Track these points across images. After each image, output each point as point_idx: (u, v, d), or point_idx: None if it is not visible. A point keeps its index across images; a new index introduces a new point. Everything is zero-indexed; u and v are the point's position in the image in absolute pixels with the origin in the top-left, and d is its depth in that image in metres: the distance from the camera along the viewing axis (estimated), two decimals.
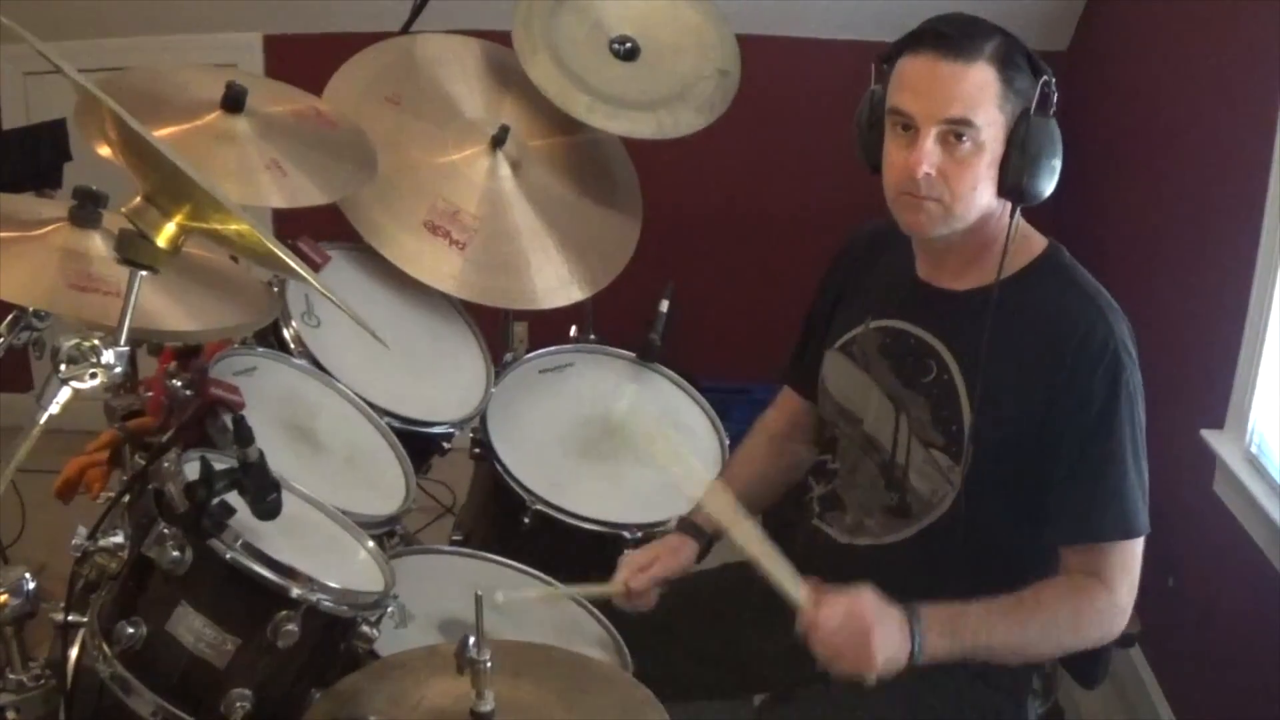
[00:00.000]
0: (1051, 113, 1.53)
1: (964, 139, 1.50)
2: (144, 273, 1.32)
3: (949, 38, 1.50)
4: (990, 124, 1.50)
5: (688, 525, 1.83)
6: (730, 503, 1.66)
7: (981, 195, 1.54)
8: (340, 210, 2.10)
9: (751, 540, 1.61)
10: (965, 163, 1.51)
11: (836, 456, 1.76)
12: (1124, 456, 1.54)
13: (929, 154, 1.51)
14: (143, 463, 1.68)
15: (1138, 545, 1.56)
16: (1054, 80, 1.53)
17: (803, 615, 1.53)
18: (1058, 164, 1.53)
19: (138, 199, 1.30)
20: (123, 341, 1.30)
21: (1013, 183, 1.52)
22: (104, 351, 1.27)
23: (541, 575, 1.85)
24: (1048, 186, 1.54)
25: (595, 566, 1.87)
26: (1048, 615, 1.54)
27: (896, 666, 1.50)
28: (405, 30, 2.44)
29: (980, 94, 1.49)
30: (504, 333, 2.63)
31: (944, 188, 1.52)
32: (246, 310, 1.76)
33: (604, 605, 1.80)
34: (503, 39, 2.37)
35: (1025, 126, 1.51)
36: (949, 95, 1.49)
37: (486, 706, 1.24)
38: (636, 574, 1.75)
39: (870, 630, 1.49)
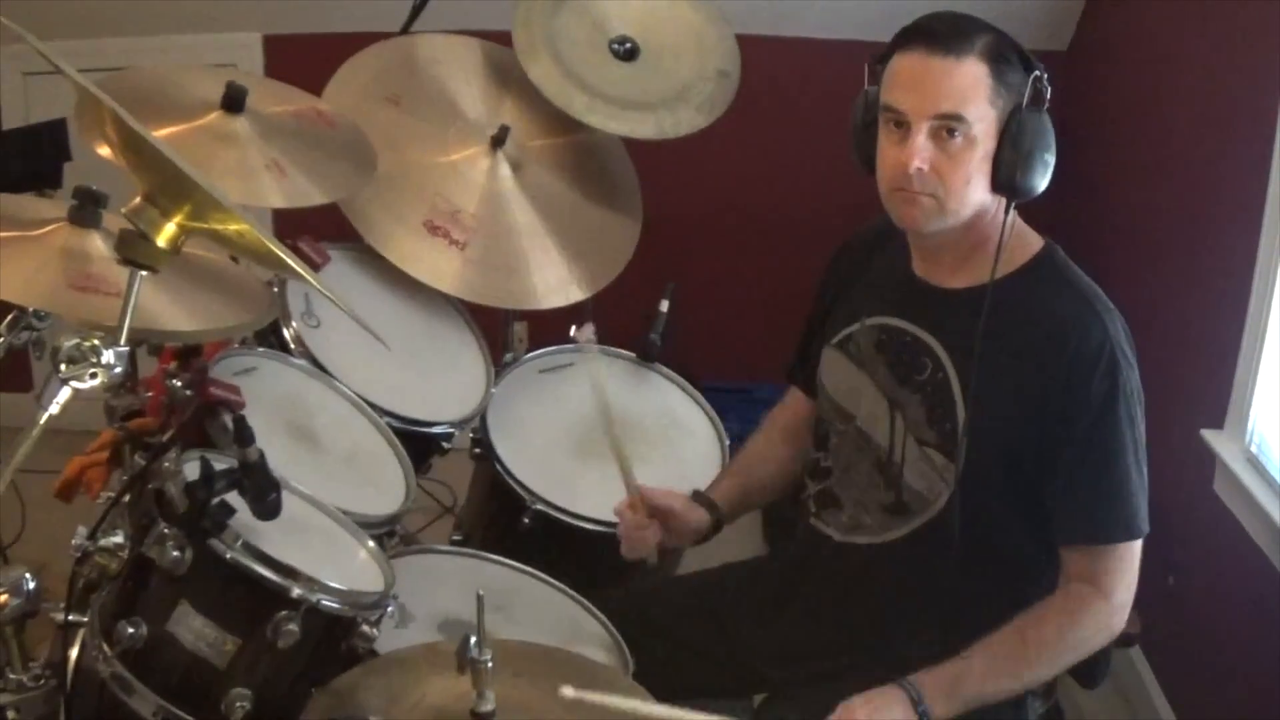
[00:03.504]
0: (1045, 108, 1.53)
1: (955, 134, 1.51)
2: (144, 273, 1.33)
3: (939, 34, 1.50)
4: (981, 119, 1.50)
5: (702, 498, 1.84)
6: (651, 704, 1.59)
7: (975, 190, 1.54)
8: (340, 210, 2.10)
9: None
10: (957, 157, 1.51)
11: (829, 454, 1.76)
12: (1124, 458, 1.54)
13: (921, 149, 1.51)
14: (143, 463, 1.68)
15: (1137, 545, 1.56)
16: (1046, 76, 1.53)
17: None
18: (1051, 159, 1.54)
19: (138, 199, 1.30)
20: (123, 341, 1.30)
21: (1005, 177, 1.53)
22: (104, 351, 1.27)
23: (541, 575, 1.85)
24: (1041, 181, 1.54)
25: (595, 567, 1.88)
26: (1049, 648, 1.54)
27: None
28: (405, 30, 2.44)
29: (971, 89, 1.50)
30: (504, 333, 2.63)
31: (937, 183, 1.53)
32: (246, 310, 1.76)
33: (604, 605, 1.80)
34: (503, 39, 2.37)
35: (1017, 121, 1.51)
36: (940, 90, 1.50)
37: (487, 706, 1.24)
38: (652, 491, 1.77)
39: None
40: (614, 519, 1.83)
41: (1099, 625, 1.55)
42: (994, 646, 1.54)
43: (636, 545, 1.80)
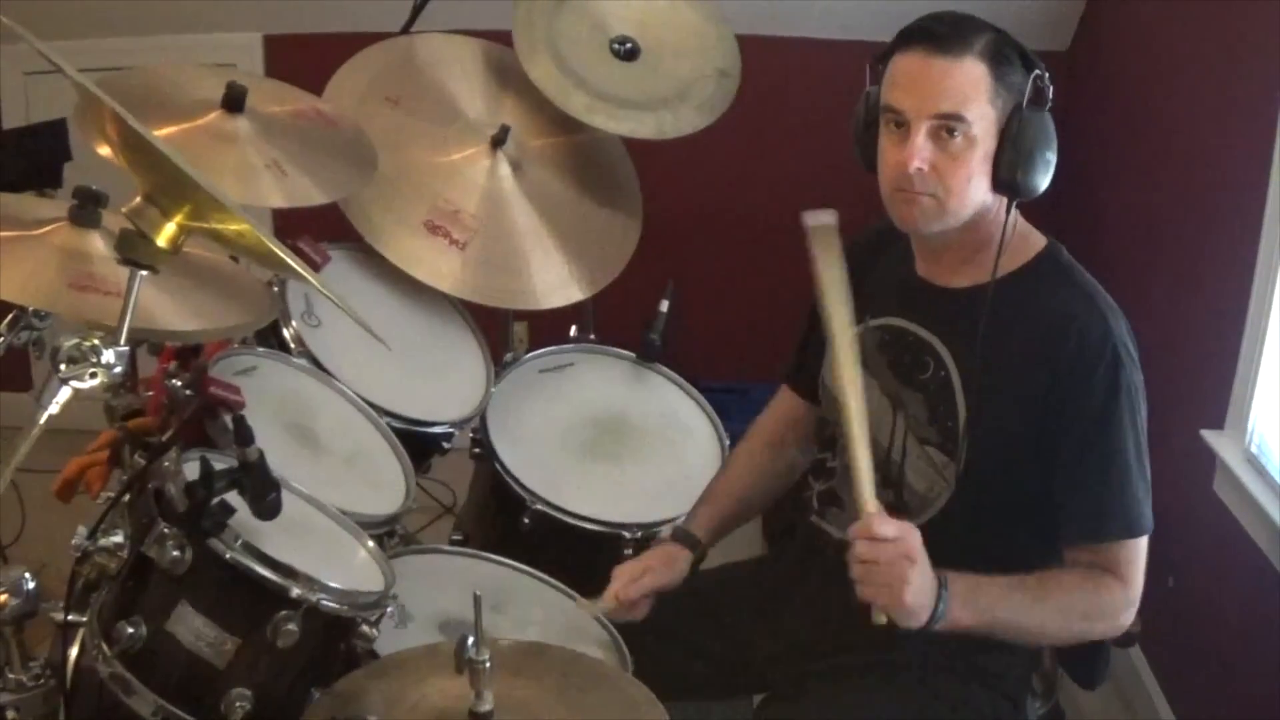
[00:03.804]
0: (1047, 108, 1.53)
1: (955, 134, 1.51)
2: (144, 273, 1.32)
3: (939, 34, 1.51)
4: (982, 118, 1.50)
5: (682, 534, 1.83)
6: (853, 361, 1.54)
7: (975, 190, 1.54)
8: (340, 210, 2.10)
9: (858, 422, 1.52)
10: (958, 158, 1.51)
11: (835, 454, 1.76)
12: (1126, 456, 1.54)
13: (921, 149, 1.51)
14: (143, 463, 1.68)
15: (1143, 543, 1.56)
16: (1048, 75, 1.53)
17: (862, 520, 1.47)
18: (1052, 158, 1.53)
19: (138, 199, 1.30)
20: (123, 341, 1.30)
21: (1006, 177, 1.53)
22: (104, 351, 1.27)
23: (541, 574, 1.85)
24: (1042, 181, 1.54)
25: (595, 567, 1.87)
26: (1065, 598, 1.54)
27: (915, 621, 1.46)
28: (405, 30, 2.44)
29: (971, 89, 1.50)
30: (504, 333, 2.63)
31: (937, 183, 1.53)
32: (246, 310, 1.76)
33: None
34: (503, 39, 2.37)
35: (1018, 121, 1.51)
36: (939, 90, 1.50)
37: (485, 706, 1.24)
38: (628, 585, 1.74)
39: (914, 563, 1.45)
40: (613, 519, 1.82)
41: (1112, 602, 1.54)
42: (1015, 580, 1.53)
43: (631, 618, 1.78)
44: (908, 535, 1.47)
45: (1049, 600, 1.53)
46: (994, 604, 1.52)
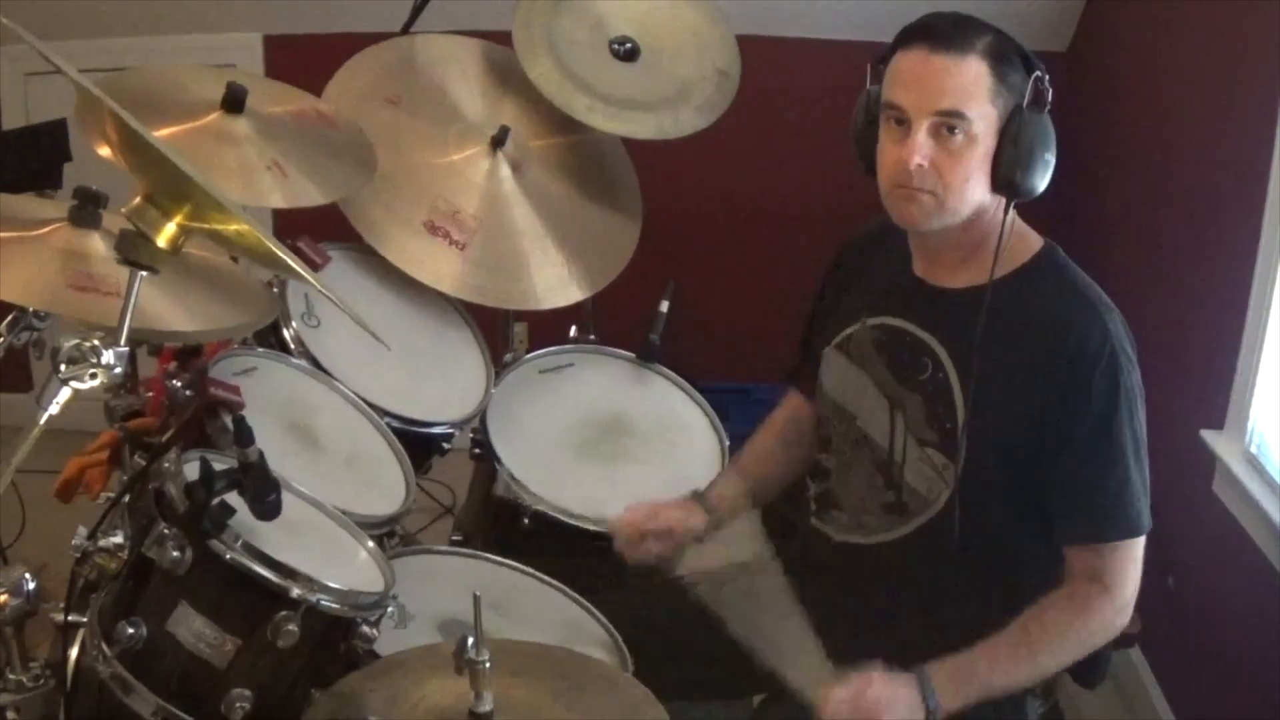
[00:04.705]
0: (1046, 109, 1.53)
1: (956, 131, 1.51)
2: (144, 273, 1.32)
3: (941, 32, 1.51)
4: (982, 117, 1.51)
5: (700, 498, 1.84)
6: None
7: (974, 189, 1.54)
8: (340, 210, 2.10)
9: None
10: (957, 155, 1.52)
11: (830, 454, 1.76)
12: (1125, 457, 1.54)
13: (921, 146, 1.51)
14: (143, 463, 1.68)
15: (1140, 542, 1.57)
16: (1048, 77, 1.53)
17: (818, 714, 1.54)
18: (1051, 159, 1.54)
19: (138, 199, 1.30)
20: (123, 341, 1.30)
21: (1005, 177, 1.53)
22: (104, 351, 1.27)
23: (541, 575, 1.85)
24: (1041, 181, 1.54)
25: (595, 567, 1.87)
26: (1054, 639, 1.55)
27: None
28: (405, 30, 2.44)
29: (972, 87, 1.50)
30: (504, 333, 2.63)
31: (936, 180, 1.53)
32: (246, 310, 1.76)
33: (604, 605, 1.80)
34: (503, 39, 2.37)
35: (1018, 121, 1.52)
36: (940, 88, 1.50)
37: (485, 707, 1.24)
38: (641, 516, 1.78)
39: (880, 709, 1.50)
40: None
41: (1104, 621, 1.56)
42: (1001, 641, 1.55)
43: (638, 558, 1.79)
44: (862, 702, 1.50)
45: (1040, 650, 1.55)
46: (986, 677, 1.54)
